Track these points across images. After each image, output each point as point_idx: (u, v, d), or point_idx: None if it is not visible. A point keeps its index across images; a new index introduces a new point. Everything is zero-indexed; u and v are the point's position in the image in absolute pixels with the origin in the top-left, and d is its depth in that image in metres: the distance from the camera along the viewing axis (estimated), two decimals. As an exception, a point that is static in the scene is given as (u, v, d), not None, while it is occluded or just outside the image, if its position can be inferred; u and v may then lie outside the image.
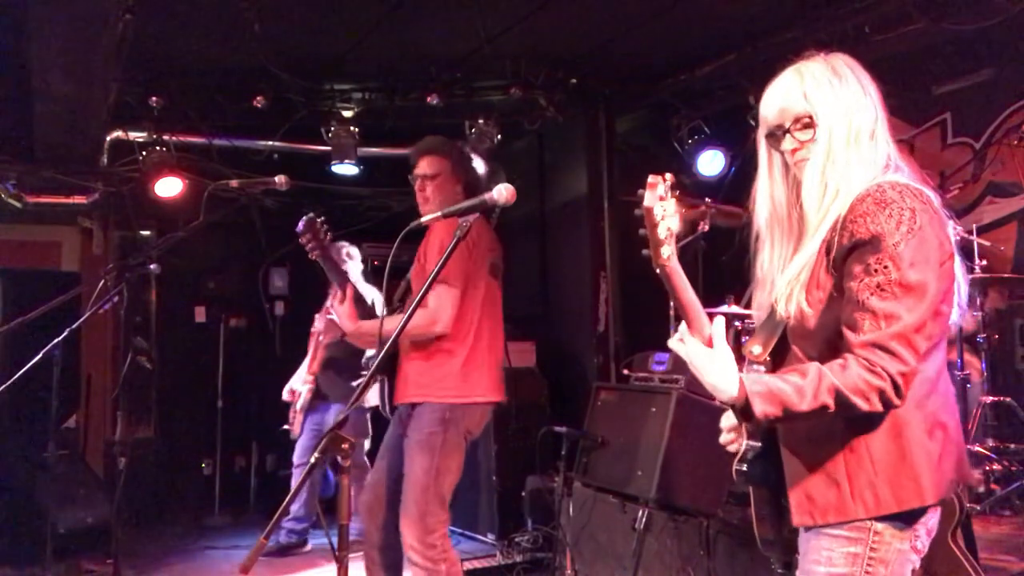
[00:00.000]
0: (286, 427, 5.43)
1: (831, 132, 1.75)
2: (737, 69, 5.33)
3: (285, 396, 5.40)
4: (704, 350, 1.70)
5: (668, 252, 1.67)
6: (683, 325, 1.74)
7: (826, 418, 1.65)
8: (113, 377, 6.59)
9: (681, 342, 1.73)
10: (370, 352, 3.54)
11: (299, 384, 5.34)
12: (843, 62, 1.82)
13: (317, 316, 5.29)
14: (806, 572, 1.77)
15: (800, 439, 1.77)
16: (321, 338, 5.23)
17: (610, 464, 4.02)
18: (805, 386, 1.61)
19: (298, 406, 5.30)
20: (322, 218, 3.40)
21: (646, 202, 1.64)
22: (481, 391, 3.17)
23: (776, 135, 1.83)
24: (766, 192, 1.89)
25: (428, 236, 3.20)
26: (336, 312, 3.36)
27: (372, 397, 3.92)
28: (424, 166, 3.32)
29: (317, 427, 5.26)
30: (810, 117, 1.77)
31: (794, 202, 1.85)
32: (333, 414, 5.22)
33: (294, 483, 5.33)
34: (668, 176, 1.68)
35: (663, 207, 1.65)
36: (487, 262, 3.26)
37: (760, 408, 1.62)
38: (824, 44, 4.65)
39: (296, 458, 5.32)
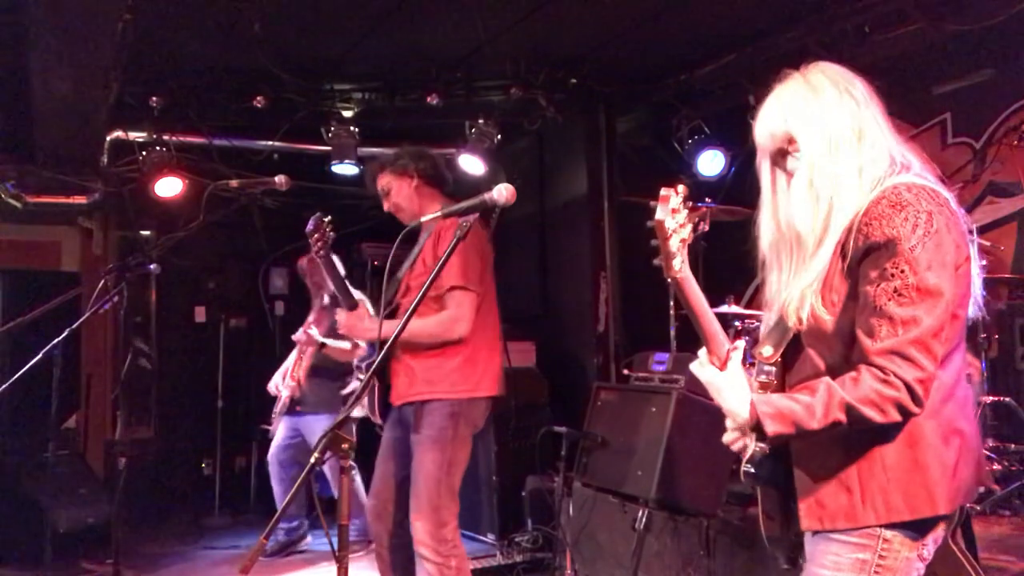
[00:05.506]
0: (265, 427, 5.41)
1: (811, 146, 1.76)
2: (737, 69, 5.32)
3: (271, 388, 5.33)
4: (718, 376, 1.75)
5: (679, 264, 1.68)
6: (703, 350, 1.78)
7: (841, 431, 1.64)
8: (113, 377, 6.58)
9: (700, 366, 1.79)
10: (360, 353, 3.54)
11: (283, 384, 5.28)
12: (819, 72, 1.81)
13: (302, 328, 5.20)
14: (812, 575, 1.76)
15: (812, 445, 1.76)
16: (309, 348, 5.19)
17: (610, 464, 4.01)
18: (815, 404, 1.62)
19: (276, 410, 5.27)
20: (328, 217, 3.41)
21: (658, 215, 1.64)
22: (486, 386, 3.23)
23: (778, 158, 1.84)
24: (770, 214, 1.87)
25: (437, 240, 3.20)
26: (342, 320, 3.34)
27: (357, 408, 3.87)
28: (379, 187, 3.44)
29: (293, 431, 5.22)
30: (793, 137, 1.78)
31: None
32: (309, 422, 5.18)
33: (273, 482, 5.27)
34: (681, 188, 1.68)
35: (675, 220, 1.65)
36: (491, 263, 3.33)
37: (771, 428, 1.64)
38: (824, 44, 4.71)
39: (269, 456, 5.28)
